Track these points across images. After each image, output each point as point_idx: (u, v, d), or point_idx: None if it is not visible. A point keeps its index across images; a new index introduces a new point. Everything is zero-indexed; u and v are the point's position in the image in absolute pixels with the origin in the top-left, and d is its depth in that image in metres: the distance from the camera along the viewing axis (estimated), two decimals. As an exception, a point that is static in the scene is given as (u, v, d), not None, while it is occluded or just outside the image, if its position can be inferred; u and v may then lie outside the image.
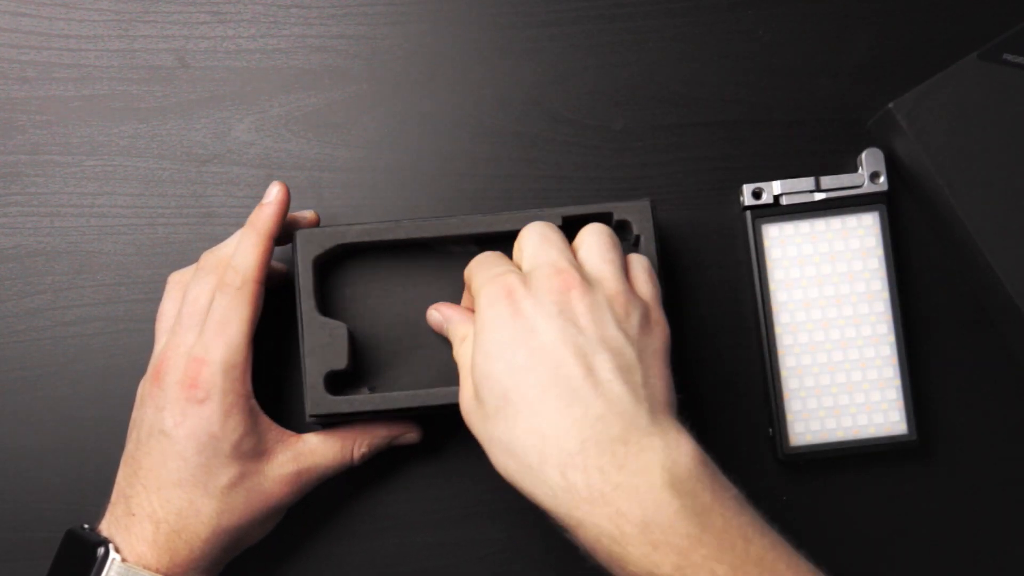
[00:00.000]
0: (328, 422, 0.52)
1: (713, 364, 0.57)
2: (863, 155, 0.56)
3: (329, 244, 0.51)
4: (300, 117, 0.58)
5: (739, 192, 0.56)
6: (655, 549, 0.40)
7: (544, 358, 0.43)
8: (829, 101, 0.58)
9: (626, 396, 0.42)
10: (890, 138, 0.56)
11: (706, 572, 0.40)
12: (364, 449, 0.52)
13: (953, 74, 0.54)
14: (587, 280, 0.45)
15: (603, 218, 0.51)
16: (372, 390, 0.53)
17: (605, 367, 0.43)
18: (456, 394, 0.48)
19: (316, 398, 0.51)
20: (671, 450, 0.41)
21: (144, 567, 0.47)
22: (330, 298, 0.54)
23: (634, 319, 0.45)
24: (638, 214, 0.52)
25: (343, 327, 0.51)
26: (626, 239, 0.53)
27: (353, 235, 0.52)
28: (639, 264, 0.49)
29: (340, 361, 0.51)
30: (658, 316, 0.47)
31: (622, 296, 0.45)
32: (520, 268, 0.47)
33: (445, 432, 0.56)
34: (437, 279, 0.54)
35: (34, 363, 0.57)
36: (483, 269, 0.47)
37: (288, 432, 0.51)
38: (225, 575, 0.51)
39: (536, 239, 0.47)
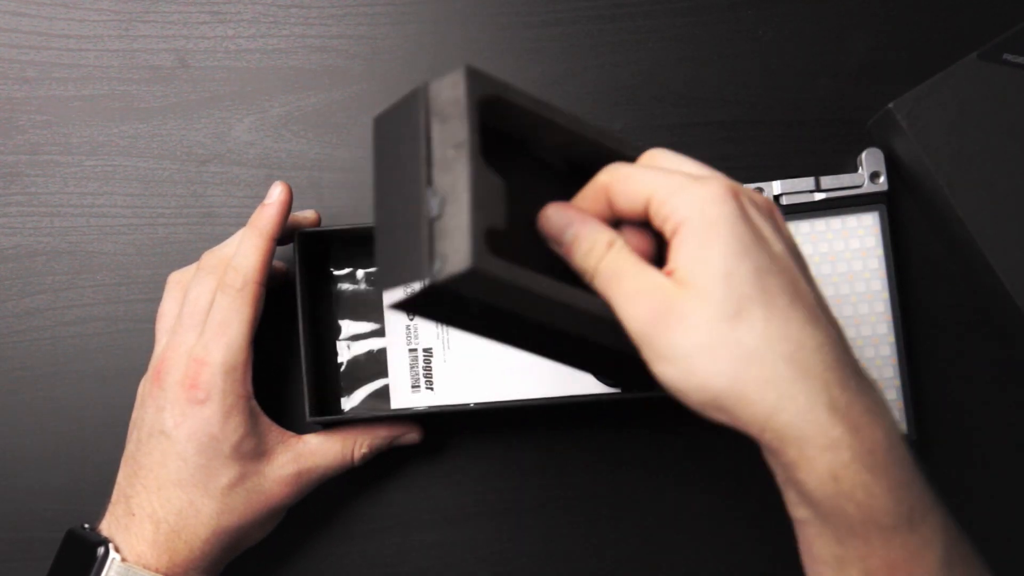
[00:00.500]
0: (330, 425, 0.52)
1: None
2: (863, 155, 0.56)
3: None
4: (300, 117, 0.58)
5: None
6: (899, 486, 0.38)
7: (784, 268, 0.39)
8: (829, 101, 0.58)
9: (837, 327, 0.40)
10: (890, 138, 0.56)
11: (935, 520, 0.39)
12: (364, 450, 0.52)
13: (953, 74, 0.54)
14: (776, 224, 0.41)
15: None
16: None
17: (813, 301, 0.39)
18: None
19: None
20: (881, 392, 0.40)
21: (144, 567, 0.47)
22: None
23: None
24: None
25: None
26: None
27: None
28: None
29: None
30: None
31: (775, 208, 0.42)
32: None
33: (445, 432, 0.56)
34: None
35: (34, 363, 0.57)
36: (676, 165, 0.41)
37: (288, 433, 0.51)
38: (225, 575, 0.51)
39: (683, 158, 0.42)
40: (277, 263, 0.55)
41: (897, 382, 0.55)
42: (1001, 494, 0.56)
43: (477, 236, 0.37)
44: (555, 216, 0.41)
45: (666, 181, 0.40)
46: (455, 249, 0.37)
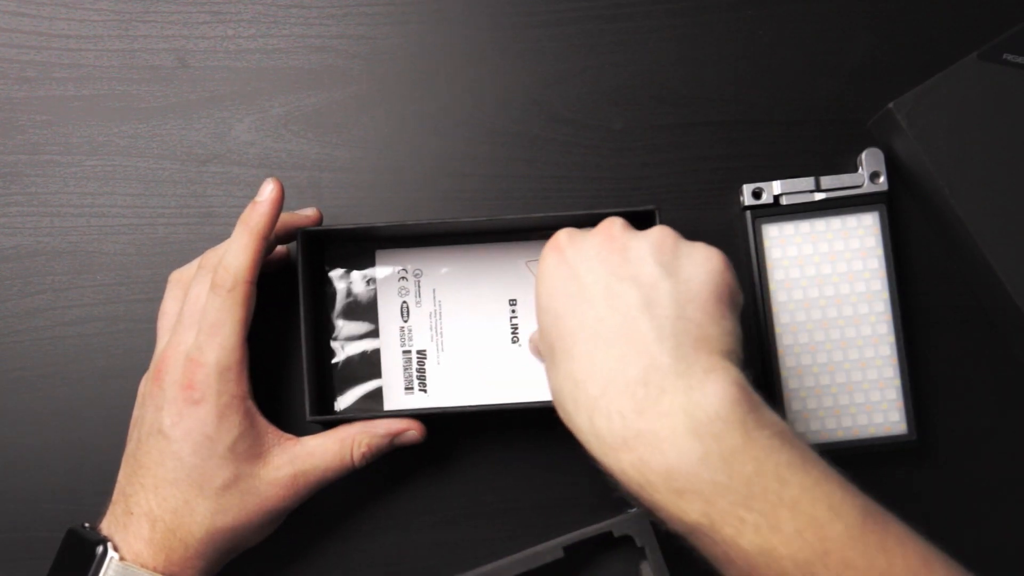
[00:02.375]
0: (330, 425, 0.52)
1: (713, 364, 0.57)
2: (863, 155, 0.56)
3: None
4: (300, 117, 0.58)
5: (739, 192, 0.56)
6: (680, 497, 0.38)
7: (580, 302, 0.43)
8: (829, 101, 0.58)
9: (649, 333, 0.40)
10: (890, 138, 0.56)
11: (734, 519, 0.37)
12: (364, 450, 0.51)
13: (953, 74, 0.54)
14: (625, 232, 0.45)
15: (604, 537, 0.51)
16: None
17: (632, 303, 0.41)
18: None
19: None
20: (694, 391, 0.39)
21: (142, 566, 0.47)
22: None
23: (683, 256, 0.43)
24: (637, 526, 0.51)
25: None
26: (627, 558, 0.52)
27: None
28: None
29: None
30: (716, 260, 0.44)
31: (671, 238, 0.44)
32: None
33: (445, 433, 0.56)
34: None
35: (34, 363, 0.57)
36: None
37: (286, 435, 0.51)
38: (226, 574, 0.51)
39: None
40: (280, 248, 0.55)
41: (897, 382, 0.55)
42: (1001, 494, 0.56)
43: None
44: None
45: None
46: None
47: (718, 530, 0.38)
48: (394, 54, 0.58)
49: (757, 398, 0.40)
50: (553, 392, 0.44)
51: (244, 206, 0.54)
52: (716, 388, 0.39)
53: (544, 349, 0.45)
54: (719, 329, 0.42)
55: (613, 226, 0.46)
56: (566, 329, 0.43)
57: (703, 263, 0.43)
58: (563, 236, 0.46)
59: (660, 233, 0.45)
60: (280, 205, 0.51)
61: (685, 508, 0.38)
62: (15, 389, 0.56)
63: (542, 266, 0.45)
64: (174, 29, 0.58)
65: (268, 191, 0.51)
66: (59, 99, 0.58)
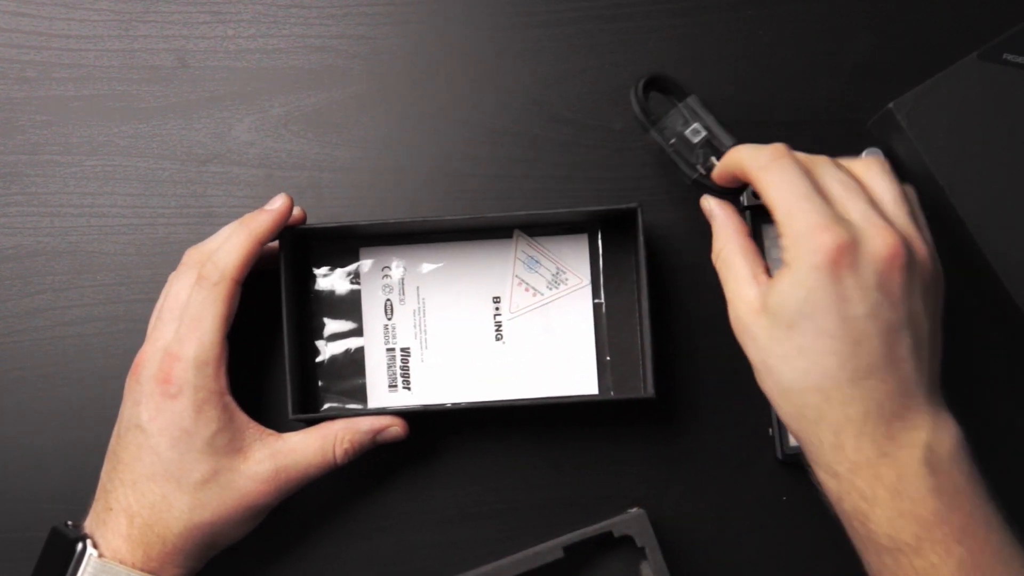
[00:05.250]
0: (314, 422, 0.52)
1: (713, 365, 0.57)
2: (863, 155, 0.56)
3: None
4: (300, 117, 0.58)
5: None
6: (900, 516, 0.42)
7: (850, 330, 0.43)
8: (829, 101, 0.58)
9: (914, 374, 0.43)
10: (890, 138, 0.56)
11: (943, 549, 0.41)
12: (346, 446, 0.51)
13: (953, 74, 0.54)
14: (904, 247, 0.44)
15: (604, 537, 0.52)
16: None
17: (905, 344, 0.43)
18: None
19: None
20: (938, 430, 0.43)
21: (120, 562, 0.47)
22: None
23: (934, 286, 0.45)
24: (637, 526, 0.52)
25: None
26: (627, 558, 0.53)
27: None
28: (920, 211, 0.48)
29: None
30: (941, 271, 0.46)
31: (930, 262, 0.45)
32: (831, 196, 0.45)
33: (444, 432, 0.56)
34: None
35: (34, 363, 0.57)
36: (796, 190, 0.45)
37: (267, 430, 0.51)
38: (222, 574, 0.51)
39: (839, 176, 0.46)
40: (274, 244, 0.55)
41: (897, 382, 0.55)
42: (1002, 494, 0.56)
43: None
44: (705, 206, 0.51)
45: (797, 221, 0.44)
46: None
47: (924, 555, 0.41)
48: (394, 54, 0.58)
49: (969, 449, 0.44)
50: (785, 385, 0.44)
51: (244, 206, 0.54)
52: (954, 431, 0.43)
53: (786, 334, 0.44)
54: (939, 347, 0.46)
55: (892, 238, 0.44)
56: (829, 349, 0.43)
57: (940, 290, 0.46)
58: (844, 246, 0.43)
59: (921, 244, 0.45)
60: (286, 220, 0.51)
61: (901, 527, 0.42)
62: (15, 389, 0.56)
63: (814, 275, 0.43)
64: (174, 29, 0.58)
65: (279, 204, 0.51)
66: (59, 99, 0.58)
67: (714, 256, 0.49)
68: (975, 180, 0.53)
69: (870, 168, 0.47)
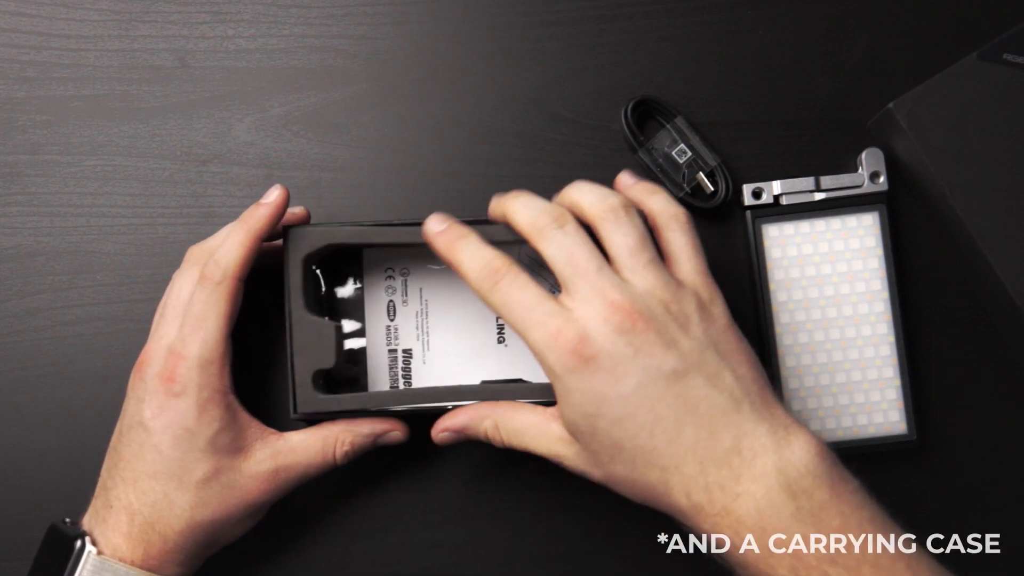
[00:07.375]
0: (315, 421, 0.52)
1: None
2: (863, 155, 0.56)
3: (320, 243, 0.51)
4: (300, 117, 0.58)
5: (739, 192, 0.56)
6: (771, 553, 0.41)
7: (640, 402, 0.43)
8: (829, 101, 0.58)
9: (726, 404, 0.43)
10: (890, 138, 0.56)
11: (819, 574, 0.40)
12: (347, 448, 0.51)
13: (953, 74, 0.54)
14: (636, 299, 0.44)
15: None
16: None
17: (697, 385, 0.43)
18: (445, 395, 0.48)
19: (304, 396, 0.51)
20: (783, 449, 0.42)
21: (119, 560, 0.47)
22: (319, 296, 0.54)
23: (694, 316, 0.44)
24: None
25: (331, 325, 0.51)
26: None
27: (344, 236, 0.51)
28: (675, 241, 0.47)
29: (328, 360, 0.51)
30: (709, 291, 0.46)
31: (674, 302, 0.44)
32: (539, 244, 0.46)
33: (445, 432, 0.56)
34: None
35: (34, 363, 0.57)
36: (523, 304, 0.45)
37: (269, 429, 0.51)
38: (222, 573, 0.51)
39: (567, 244, 0.45)
40: (274, 242, 0.55)
41: (897, 382, 0.55)
42: (1002, 494, 0.56)
43: (301, 384, 0.50)
44: (443, 438, 0.51)
45: (521, 329, 0.44)
46: (293, 396, 0.50)
47: None
48: (394, 54, 0.58)
49: (831, 450, 0.42)
50: (628, 481, 0.44)
51: (244, 206, 0.54)
52: (802, 443, 0.42)
53: (599, 449, 0.44)
54: (757, 366, 0.45)
55: (611, 294, 0.43)
56: (632, 429, 0.43)
57: (712, 310, 0.45)
58: (571, 336, 0.43)
59: (659, 287, 0.44)
60: (283, 211, 0.51)
61: (774, 564, 0.40)
62: (15, 389, 0.56)
63: (567, 378, 0.43)
64: (174, 29, 0.58)
65: (275, 196, 0.51)
66: (59, 99, 0.58)
67: (504, 437, 0.49)
68: (975, 180, 0.53)
69: (608, 221, 0.46)
